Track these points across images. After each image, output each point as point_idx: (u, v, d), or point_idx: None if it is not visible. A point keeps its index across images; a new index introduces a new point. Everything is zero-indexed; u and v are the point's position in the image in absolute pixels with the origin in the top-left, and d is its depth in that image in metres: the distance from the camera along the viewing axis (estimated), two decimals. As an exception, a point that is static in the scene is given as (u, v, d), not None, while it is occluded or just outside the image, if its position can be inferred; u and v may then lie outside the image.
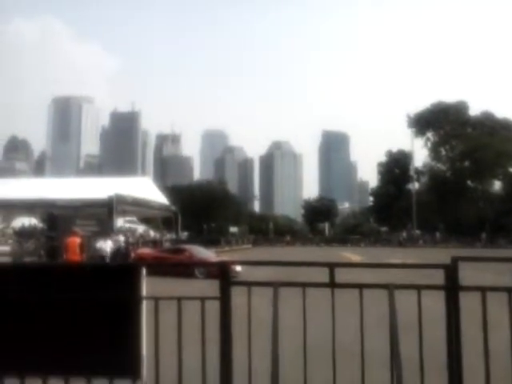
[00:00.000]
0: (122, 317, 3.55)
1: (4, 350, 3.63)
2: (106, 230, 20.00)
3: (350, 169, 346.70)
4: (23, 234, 21.06)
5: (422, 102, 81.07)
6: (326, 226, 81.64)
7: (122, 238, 19.01)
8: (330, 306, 3.53)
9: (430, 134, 73.82)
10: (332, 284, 3.51)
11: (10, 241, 19.42)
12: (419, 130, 73.04)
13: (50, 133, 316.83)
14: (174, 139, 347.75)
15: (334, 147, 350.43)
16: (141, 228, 40.03)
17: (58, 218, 18.96)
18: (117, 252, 16.67)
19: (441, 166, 73.51)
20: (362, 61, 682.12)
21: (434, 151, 73.38)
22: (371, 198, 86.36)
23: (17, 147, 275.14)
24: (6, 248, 17.71)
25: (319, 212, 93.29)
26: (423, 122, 72.54)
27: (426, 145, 73.95)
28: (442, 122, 71.29)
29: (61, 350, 3.58)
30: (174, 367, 3.53)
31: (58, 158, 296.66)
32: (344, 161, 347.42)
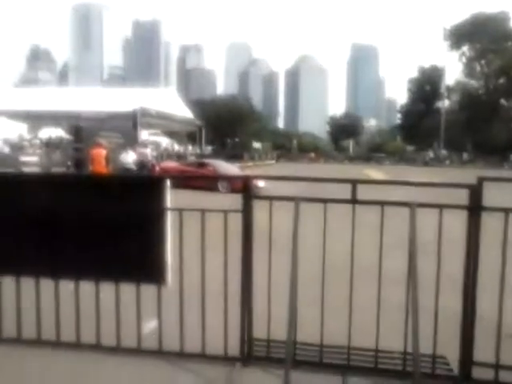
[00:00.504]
0: (148, 227, 3.67)
1: (39, 256, 3.84)
2: (131, 142, 20.17)
3: (379, 85, 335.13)
4: (50, 145, 21.41)
5: (462, 15, 75.98)
6: (351, 143, 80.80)
7: (148, 151, 19.17)
8: (351, 223, 3.56)
9: (465, 48, 69.88)
10: (353, 201, 3.52)
11: (39, 151, 19.81)
12: (455, 44, 69.15)
13: (72, 42, 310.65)
14: (197, 51, 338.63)
15: (362, 62, 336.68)
16: (165, 141, 40.24)
17: (84, 129, 19.10)
18: (140, 164, 16.88)
19: (474, 83, 70.32)
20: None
21: (469, 67, 69.85)
22: (399, 116, 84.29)
23: (39, 57, 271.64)
24: (35, 158, 18.10)
25: (344, 129, 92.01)
26: (460, 35, 68.34)
27: (460, 59, 70.30)
28: (480, 34, 66.94)
29: (91, 257, 3.77)
30: (197, 274, 3.68)
31: (82, 69, 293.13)
32: (372, 76, 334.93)
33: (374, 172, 35.98)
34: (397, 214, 3.64)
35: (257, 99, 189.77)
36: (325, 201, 3.57)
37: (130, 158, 16.55)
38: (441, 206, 3.43)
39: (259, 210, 3.66)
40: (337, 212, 3.73)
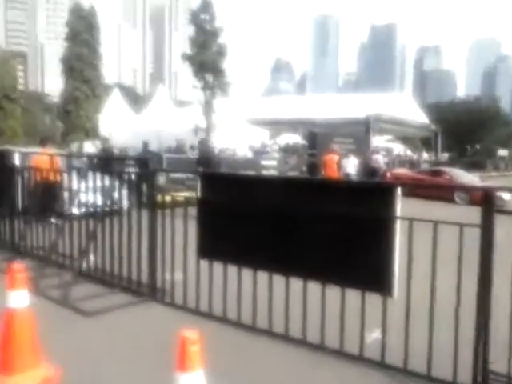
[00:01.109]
0: (376, 234, 3.62)
1: (269, 252, 4.17)
2: (363, 148, 20.31)
3: None
4: (287, 150, 23.09)
5: None
6: None
7: (379, 157, 18.97)
8: None
9: None
10: None
11: (277, 156, 21.60)
12: None
13: (310, 53, 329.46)
14: (436, 52, 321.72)
15: None
16: (398, 147, 39.31)
17: (318, 135, 20.00)
18: (371, 170, 16.74)
19: None
20: None
21: None
22: None
23: (281, 68, 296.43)
24: (273, 162, 19.75)
25: None
26: None
27: None
28: None
29: (318, 258, 3.91)
30: (425, 289, 3.47)
31: (318, 77, 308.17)
32: None
33: None
34: None
35: (505, 100, 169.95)
36: None
37: (350, 163, 16.51)
38: None
39: (501, 225, 3.25)
40: None
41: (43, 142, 9.87)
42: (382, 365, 3.59)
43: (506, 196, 11.50)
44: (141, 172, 5.49)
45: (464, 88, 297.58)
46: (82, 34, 31.86)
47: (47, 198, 6.91)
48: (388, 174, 18.39)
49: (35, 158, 7.48)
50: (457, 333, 3.32)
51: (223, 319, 4.40)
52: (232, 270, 4.42)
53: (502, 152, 56.17)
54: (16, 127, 40.12)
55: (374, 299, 3.67)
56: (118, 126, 25.54)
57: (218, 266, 4.51)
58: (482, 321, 3.24)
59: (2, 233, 6.97)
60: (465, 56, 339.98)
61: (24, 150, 8.37)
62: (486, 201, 3.28)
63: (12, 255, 6.30)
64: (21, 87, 57.62)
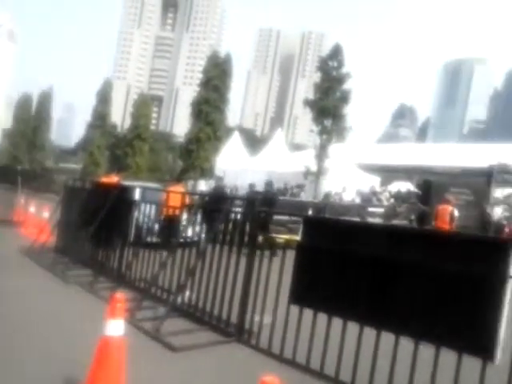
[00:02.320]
0: (482, 293, 3.43)
1: (363, 304, 4.06)
2: (481, 200, 18.89)
3: None
4: (397, 198, 22.19)
5: None
6: None
7: (497, 210, 17.50)
8: None
9: None
10: None
11: (385, 203, 20.89)
12: None
13: (436, 99, 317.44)
14: None
15: None
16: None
17: (433, 184, 19.00)
18: (484, 224, 15.42)
19: None
20: None
21: None
22: None
23: (403, 114, 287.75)
24: (380, 210, 19.13)
25: None
26: None
27: None
28: None
29: (416, 313, 3.74)
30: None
31: (441, 125, 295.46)
32: None
33: None
34: None
35: None
36: None
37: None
38: None
39: None
40: None
41: (178, 180, 10.62)
42: None
43: None
44: (246, 212, 5.62)
45: None
46: (214, 80, 33.74)
47: (169, 231, 7.43)
48: (507, 230, 16.82)
49: (168, 195, 7.88)
50: None
51: (306, 368, 4.29)
52: (321, 317, 4.33)
53: None
54: (141, 164, 43.89)
55: (471, 362, 3.41)
56: (232, 167, 26.64)
57: (307, 313, 4.44)
58: None
59: (111, 261, 7.41)
60: None
61: (143, 184, 9.02)
62: None
63: (116, 284, 6.69)
64: (152, 127, 63.04)
